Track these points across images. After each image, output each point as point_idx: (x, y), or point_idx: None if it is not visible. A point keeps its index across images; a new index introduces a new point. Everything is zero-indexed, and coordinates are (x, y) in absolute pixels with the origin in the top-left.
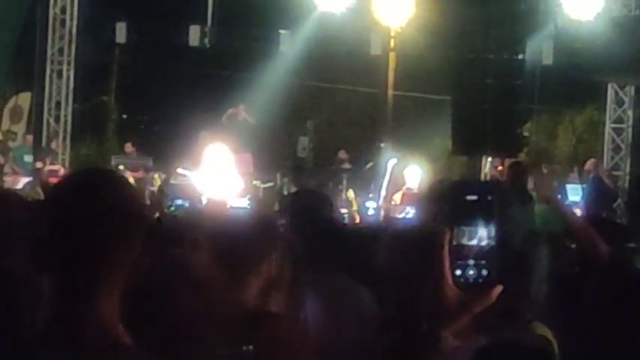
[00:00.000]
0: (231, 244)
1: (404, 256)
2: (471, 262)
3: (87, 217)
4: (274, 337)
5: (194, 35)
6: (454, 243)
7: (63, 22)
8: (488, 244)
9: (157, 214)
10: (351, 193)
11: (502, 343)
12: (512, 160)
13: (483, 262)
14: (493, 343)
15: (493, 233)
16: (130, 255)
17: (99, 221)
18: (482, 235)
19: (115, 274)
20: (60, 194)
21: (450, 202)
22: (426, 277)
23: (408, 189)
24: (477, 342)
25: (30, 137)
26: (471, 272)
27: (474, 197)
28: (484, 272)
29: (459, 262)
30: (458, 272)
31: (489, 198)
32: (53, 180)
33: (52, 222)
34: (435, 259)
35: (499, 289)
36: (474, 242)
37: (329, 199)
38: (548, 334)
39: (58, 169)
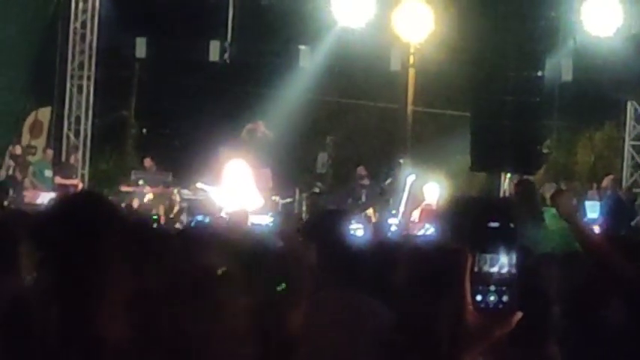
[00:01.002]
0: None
1: (423, 276)
2: (492, 287)
3: (77, 236)
4: None
5: (214, 50)
6: (475, 269)
7: (83, 37)
8: (509, 271)
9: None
10: (369, 210)
11: None
12: (522, 177)
13: (504, 288)
14: None
15: (514, 261)
16: (125, 266)
17: (89, 238)
18: (503, 262)
19: (114, 285)
20: (50, 217)
21: (471, 229)
22: (446, 300)
23: (427, 205)
24: None
25: (50, 152)
26: (492, 298)
27: (496, 224)
28: (505, 298)
29: (480, 287)
30: (479, 297)
31: (511, 225)
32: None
33: (47, 241)
34: (455, 282)
35: (519, 315)
36: (495, 269)
37: (348, 216)
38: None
39: (76, 183)
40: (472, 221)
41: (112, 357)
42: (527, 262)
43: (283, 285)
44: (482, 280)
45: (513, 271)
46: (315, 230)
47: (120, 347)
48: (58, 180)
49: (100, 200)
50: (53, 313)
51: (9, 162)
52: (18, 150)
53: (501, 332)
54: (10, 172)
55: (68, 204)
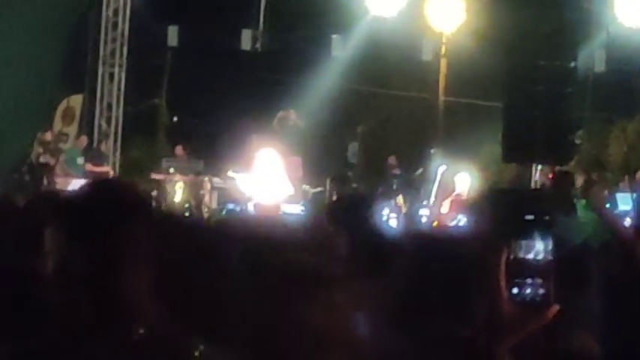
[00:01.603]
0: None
1: (458, 267)
2: (529, 280)
3: (102, 220)
4: None
5: (246, 39)
6: (511, 257)
7: (115, 25)
8: (544, 257)
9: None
10: (400, 199)
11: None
12: (559, 169)
13: (540, 281)
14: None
15: (550, 248)
16: (151, 251)
17: (117, 222)
18: (539, 248)
19: (141, 270)
20: (76, 202)
21: (506, 219)
22: (481, 292)
23: (458, 196)
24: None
25: (85, 139)
26: (528, 291)
27: (531, 217)
28: (541, 291)
29: (517, 280)
30: (515, 290)
31: (546, 218)
32: None
33: (72, 226)
34: (491, 275)
35: (555, 308)
36: (531, 256)
37: (376, 201)
38: (592, 345)
39: (107, 170)
40: (507, 213)
41: (139, 342)
42: (563, 253)
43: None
44: (519, 268)
45: (549, 257)
46: (344, 214)
47: (147, 331)
48: (89, 167)
49: (129, 187)
50: (79, 297)
51: (38, 149)
52: (48, 136)
53: (537, 325)
54: (42, 159)
55: (97, 189)
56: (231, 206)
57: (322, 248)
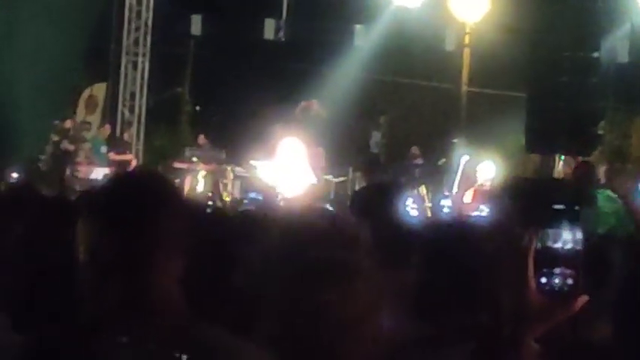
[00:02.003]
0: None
1: (482, 257)
2: (557, 270)
3: (137, 210)
4: None
5: (269, 28)
6: (539, 246)
7: (139, 14)
8: (573, 247)
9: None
10: (423, 189)
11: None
12: (581, 159)
13: (569, 271)
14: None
15: (578, 237)
16: (180, 242)
17: (148, 213)
18: (567, 238)
19: (170, 260)
20: (112, 193)
21: (534, 208)
22: (507, 281)
23: (481, 186)
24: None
25: (108, 127)
26: (557, 281)
27: (561, 206)
28: (569, 281)
29: (545, 269)
30: (543, 280)
31: (576, 208)
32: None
33: (104, 216)
34: (518, 264)
35: (584, 299)
36: (559, 245)
37: (403, 191)
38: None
39: (130, 159)
40: (535, 201)
41: (169, 330)
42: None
43: None
44: (546, 257)
45: (578, 247)
46: (368, 205)
47: (175, 321)
48: (113, 156)
49: (159, 177)
50: (106, 287)
51: (55, 137)
52: (68, 124)
53: (565, 315)
54: (61, 146)
55: (128, 179)
56: (253, 195)
57: (348, 241)
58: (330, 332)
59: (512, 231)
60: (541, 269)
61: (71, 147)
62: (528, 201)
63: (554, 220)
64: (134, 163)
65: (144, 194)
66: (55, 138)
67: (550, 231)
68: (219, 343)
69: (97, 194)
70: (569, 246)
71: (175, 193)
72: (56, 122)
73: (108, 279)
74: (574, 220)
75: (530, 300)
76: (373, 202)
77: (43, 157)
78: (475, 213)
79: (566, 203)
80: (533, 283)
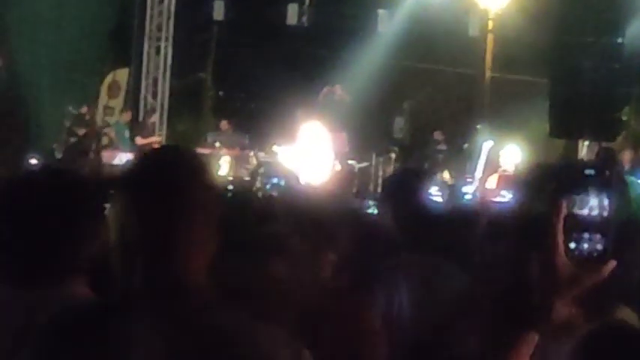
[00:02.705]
0: (311, 220)
1: (506, 240)
2: (586, 235)
3: (166, 186)
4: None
5: (292, 14)
6: (564, 212)
7: None
8: (599, 214)
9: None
10: (446, 174)
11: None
12: (603, 145)
13: (599, 236)
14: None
15: (606, 203)
16: (211, 226)
17: (178, 188)
18: (593, 204)
19: (199, 243)
20: (140, 171)
21: (565, 172)
22: (538, 247)
23: (504, 171)
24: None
25: (129, 113)
26: (586, 246)
27: (592, 171)
28: (599, 246)
29: (574, 234)
30: (572, 245)
31: (607, 172)
32: None
33: (135, 197)
34: (549, 231)
35: (612, 264)
36: (585, 211)
37: (429, 178)
38: (634, 319)
39: (159, 140)
40: (566, 167)
41: (195, 310)
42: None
43: None
44: (573, 223)
45: (605, 214)
46: (394, 190)
47: (203, 301)
48: (140, 140)
49: (188, 153)
50: (137, 267)
51: (67, 122)
52: (84, 109)
53: (593, 281)
54: (79, 132)
55: (156, 155)
56: (275, 180)
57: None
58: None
59: (535, 214)
60: (569, 235)
61: (86, 133)
62: (568, 172)
63: (581, 183)
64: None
65: (173, 170)
66: (70, 124)
67: (577, 197)
68: (239, 328)
69: (126, 172)
70: (595, 212)
71: (205, 169)
72: (70, 108)
73: (136, 258)
74: (603, 183)
75: (559, 266)
76: (402, 187)
77: (56, 144)
78: (497, 198)
79: (596, 168)
80: (562, 249)
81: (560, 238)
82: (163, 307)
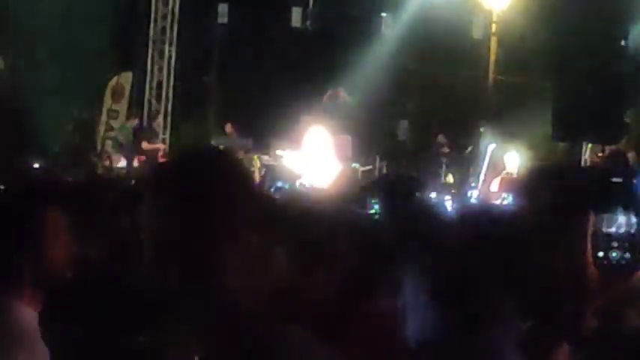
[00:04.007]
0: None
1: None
2: (615, 244)
3: (205, 187)
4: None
5: (296, 17)
6: (591, 229)
7: (166, 2)
8: (627, 231)
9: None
10: (449, 177)
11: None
12: (613, 147)
13: (627, 244)
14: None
15: (633, 221)
16: (252, 231)
17: (217, 190)
18: (621, 222)
19: (240, 248)
20: (175, 173)
21: (592, 184)
22: (566, 258)
23: (508, 174)
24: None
25: (137, 119)
26: (614, 254)
27: (619, 179)
28: (627, 255)
29: (603, 244)
30: (600, 254)
31: (634, 181)
32: (159, 159)
33: (168, 199)
34: (578, 239)
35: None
36: (613, 229)
37: (419, 182)
38: None
39: (162, 147)
40: (594, 177)
41: (230, 318)
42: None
43: None
44: (601, 239)
45: (632, 231)
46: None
47: (240, 302)
48: (146, 145)
49: (227, 156)
50: (174, 266)
51: (68, 126)
52: (84, 113)
53: (622, 289)
54: (79, 135)
55: (195, 156)
56: (279, 184)
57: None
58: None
59: (573, 208)
60: (598, 247)
61: (87, 136)
62: (595, 187)
63: (610, 199)
64: (163, 151)
65: (212, 171)
66: (72, 128)
67: (605, 215)
68: (272, 340)
69: (162, 172)
70: (622, 230)
71: (245, 172)
72: (71, 111)
73: (171, 261)
74: (631, 195)
75: (588, 275)
76: (390, 189)
77: (57, 148)
78: (498, 201)
79: (625, 177)
80: (590, 258)
81: (589, 248)
82: (200, 312)
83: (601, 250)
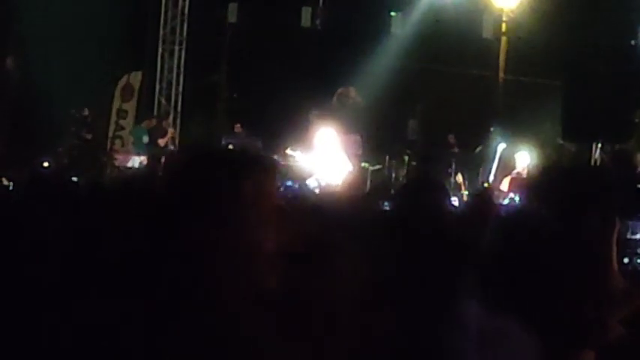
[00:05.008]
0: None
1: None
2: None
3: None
4: None
5: (306, 16)
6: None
7: (175, 2)
8: None
9: None
10: (459, 177)
11: None
12: (613, 147)
13: None
14: None
15: None
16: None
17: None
18: None
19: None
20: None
21: (616, 191)
22: (592, 266)
23: (518, 174)
24: None
25: (154, 120)
26: (639, 261)
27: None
28: None
29: (628, 250)
30: (626, 260)
31: None
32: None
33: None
34: (602, 250)
35: None
36: (638, 236)
37: (444, 188)
38: None
39: (170, 135)
40: (619, 183)
41: (222, 319)
42: None
43: None
44: (626, 246)
45: None
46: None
47: (266, 298)
48: (162, 142)
49: (236, 151)
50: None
51: (71, 126)
52: (86, 112)
53: None
54: (82, 135)
55: (197, 155)
56: (289, 183)
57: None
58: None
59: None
60: (623, 253)
61: (89, 136)
62: (620, 194)
63: (633, 207)
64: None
65: (224, 171)
66: (80, 127)
67: (630, 223)
68: (261, 342)
69: (169, 174)
70: None
71: (261, 159)
72: (73, 111)
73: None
74: None
75: (613, 282)
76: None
77: (62, 148)
78: (506, 201)
79: (627, 177)
80: (615, 266)
81: (615, 255)
82: (194, 313)
83: (626, 257)
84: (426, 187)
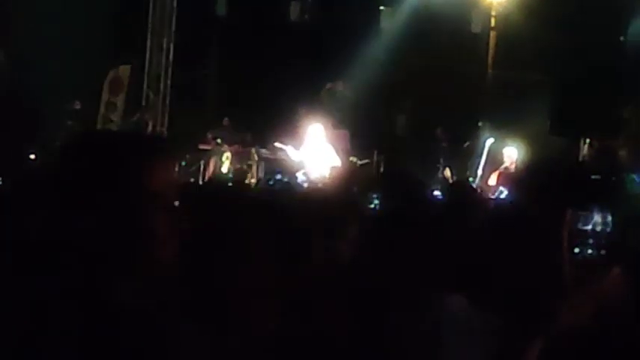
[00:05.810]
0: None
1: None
2: (590, 240)
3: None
4: None
5: (295, 10)
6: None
7: None
8: (603, 229)
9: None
10: (447, 172)
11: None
12: (602, 142)
13: (603, 241)
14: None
15: (608, 219)
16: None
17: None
18: (597, 220)
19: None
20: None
21: (570, 181)
22: (543, 254)
23: (506, 168)
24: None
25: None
26: (590, 251)
27: (598, 177)
28: (603, 252)
29: (579, 240)
30: (577, 250)
31: (613, 178)
32: None
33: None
34: (553, 239)
35: (617, 271)
36: (589, 227)
37: (419, 181)
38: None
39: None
40: (572, 173)
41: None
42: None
43: None
44: (578, 236)
45: (608, 229)
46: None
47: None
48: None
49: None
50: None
51: (65, 120)
52: (77, 105)
53: (597, 285)
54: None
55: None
56: (278, 176)
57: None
58: None
59: (552, 207)
60: (574, 244)
61: (85, 129)
62: (569, 173)
63: (586, 198)
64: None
65: (118, 155)
66: (69, 120)
67: (582, 214)
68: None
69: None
70: (599, 228)
71: (161, 153)
72: (66, 105)
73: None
74: (607, 192)
75: (564, 271)
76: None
77: (56, 140)
78: (494, 195)
79: (603, 174)
80: (567, 255)
81: (566, 245)
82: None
83: (577, 247)
84: (401, 179)
